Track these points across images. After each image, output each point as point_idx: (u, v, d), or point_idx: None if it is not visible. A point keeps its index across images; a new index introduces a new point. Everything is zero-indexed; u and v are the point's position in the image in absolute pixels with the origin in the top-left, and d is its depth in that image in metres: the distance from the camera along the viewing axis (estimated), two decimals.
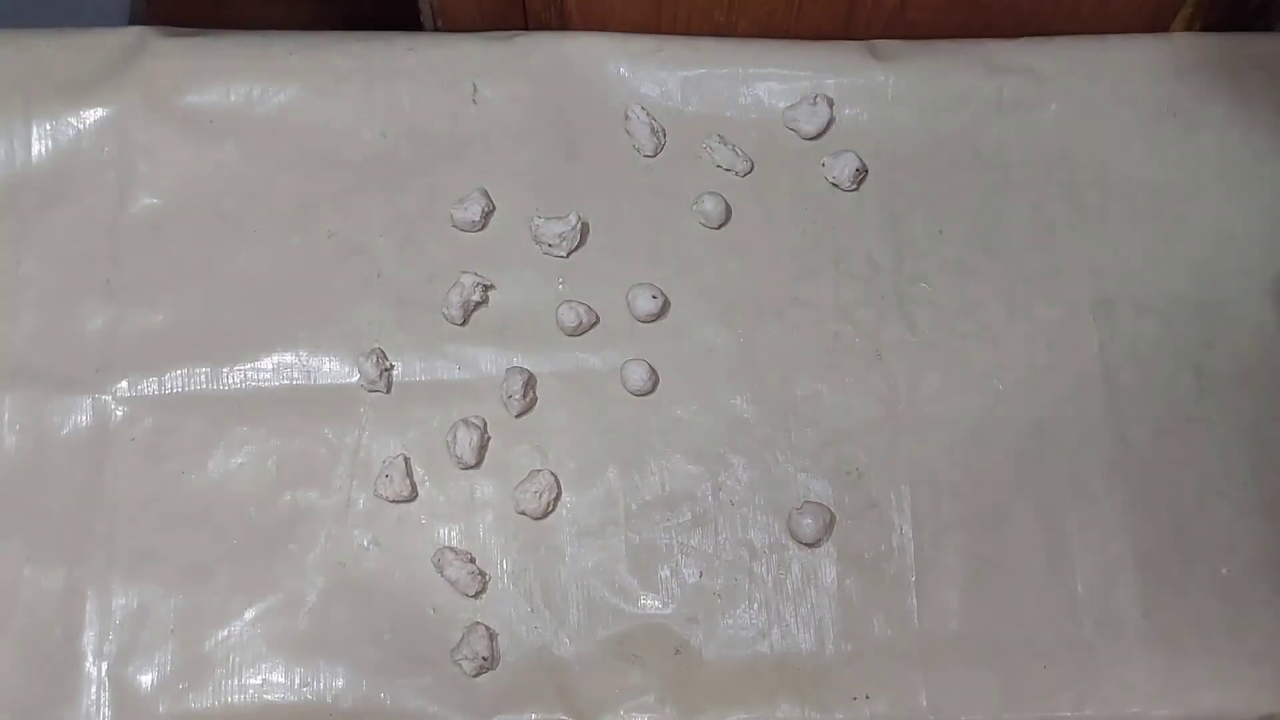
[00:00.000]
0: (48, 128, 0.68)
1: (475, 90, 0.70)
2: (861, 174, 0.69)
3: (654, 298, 0.66)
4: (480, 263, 0.67)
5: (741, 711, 0.61)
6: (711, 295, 0.67)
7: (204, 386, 0.65)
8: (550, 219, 0.67)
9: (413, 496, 0.64)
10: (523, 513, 0.63)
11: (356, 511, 0.64)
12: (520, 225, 0.68)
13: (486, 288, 0.67)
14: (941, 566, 0.63)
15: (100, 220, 0.68)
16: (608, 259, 0.68)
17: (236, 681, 0.61)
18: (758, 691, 0.61)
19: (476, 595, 0.62)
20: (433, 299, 0.67)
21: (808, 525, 0.62)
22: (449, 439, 0.64)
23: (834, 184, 0.69)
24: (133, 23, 0.80)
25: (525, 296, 0.67)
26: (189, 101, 0.69)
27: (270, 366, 0.66)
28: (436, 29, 0.74)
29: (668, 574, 0.63)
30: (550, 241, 0.67)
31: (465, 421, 0.64)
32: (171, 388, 0.65)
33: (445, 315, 0.66)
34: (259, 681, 0.61)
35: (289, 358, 0.66)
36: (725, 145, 0.69)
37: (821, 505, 0.63)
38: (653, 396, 0.66)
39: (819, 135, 0.70)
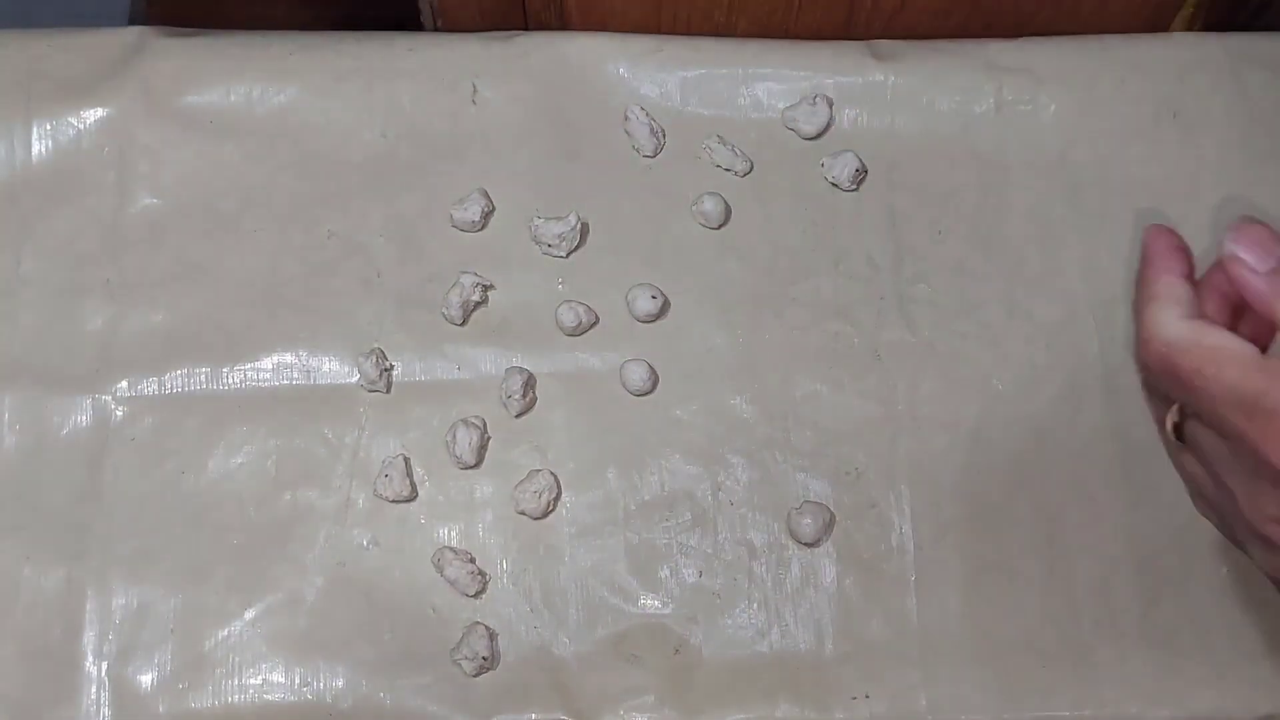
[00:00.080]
0: (48, 128, 0.68)
1: (475, 90, 0.70)
2: (861, 174, 0.69)
3: (654, 298, 0.66)
4: (480, 263, 0.67)
5: (741, 711, 0.61)
6: (711, 295, 0.67)
7: (204, 386, 0.65)
8: (550, 219, 0.67)
9: (413, 496, 0.64)
10: (522, 513, 0.63)
11: (356, 511, 0.64)
12: (520, 225, 0.68)
13: (486, 288, 0.67)
14: (941, 566, 0.63)
15: (100, 220, 0.68)
16: (607, 259, 0.68)
17: (236, 681, 0.61)
18: (757, 691, 0.61)
19: (476, 595, 0.62)
20: (432, 299, 0.67)
21: (807, 525, 0.62)
22: (449, 439, 0.64)
23: (834, 184, 0.69)
24: (133, 23, 0.80)
25: (525, 296, 0.67)
26: (189, 101, 0.69)
27: (270, 366, 0.66)
28: (436, 29, 0.74)
29: (667, 574, 0.63)
30: (550, 242, 0.67)
31: (465, 421, 0.64)
32: (171, 388, 0.65)
33: (445, 315, 0.66)
34: (259, 681, 0.61)
35: (289, 358, 0.66)
36: (725, 145, 0.69)
37: (821, 505, 0.63)
38: (652, 396, 0.66)
39: (819, 135, 0.70)
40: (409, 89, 0.70)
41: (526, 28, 0.73)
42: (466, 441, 0.63)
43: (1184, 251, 0.46)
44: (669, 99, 0.70)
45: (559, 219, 0.67)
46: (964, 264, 0.68)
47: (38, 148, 0.68)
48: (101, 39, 0.70)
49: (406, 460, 0.64)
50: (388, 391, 0.65)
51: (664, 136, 0.69)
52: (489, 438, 0.65)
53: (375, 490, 0.63)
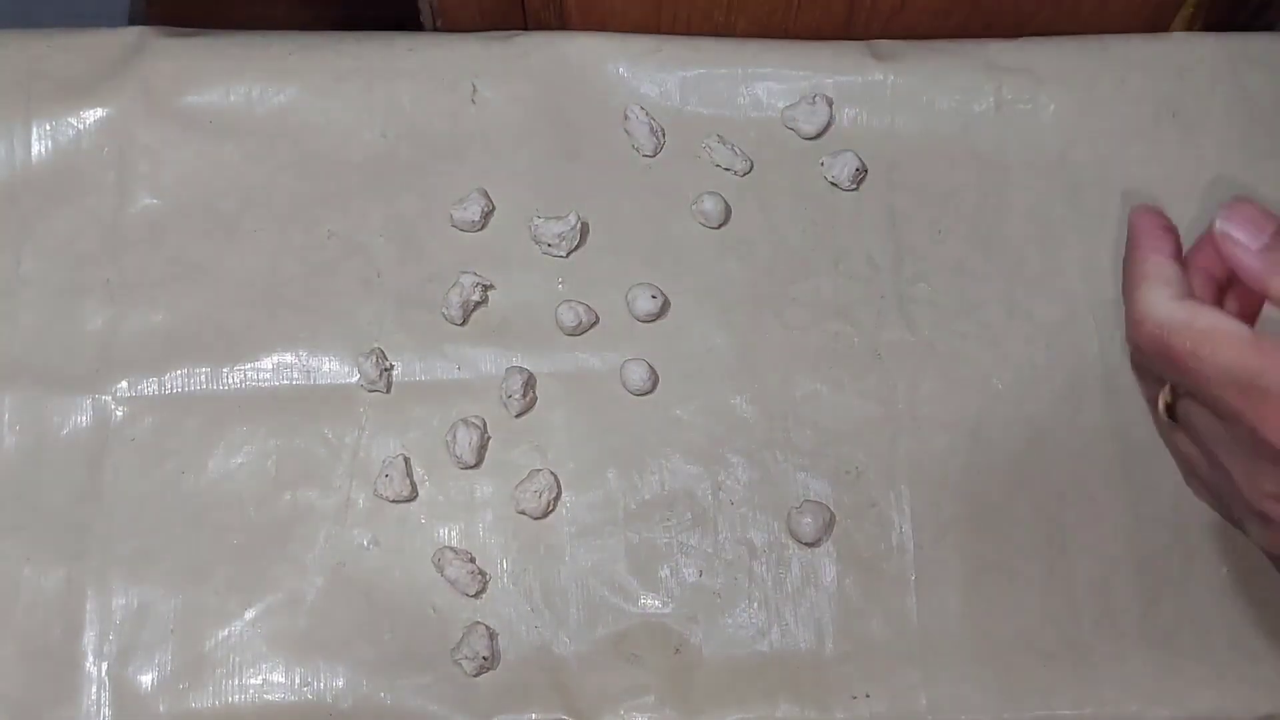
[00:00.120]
0: (48, 128, 0.68)
1: (475, 90, 0.70)
2: (861, 174, 0.69)
3: (654, 298, 0.66)
4: (480, 263, 0.67)
5: (741, 710, 0.61)
6: (711, 295, 0.67)
7: (204, 386, 0.65)
8: (550, 219, 0.67)
9: (413, 496, 0.64)
10: (522, 512, 0.63)
11: (356, 511, 0.64)
12: (520, 225, 0.68)
13: (486, 288, 0.67)
14: (941, 566, 0.63)
15: (100, 220, 0.68)
16: (607, 259, 0.68)
17: (236, 681, 0.61)
18: (757, 690, 0.61)
19: (476, 595, 0.62)
20: (432, 299, 0.67)
21: (807, 524, 0.62)
22: (449, 439, 0.64)
23: (833, 184, 0.69)
24: (133, 23, 0.80)
25: (525, 296, 0.67)
26: (189, 101, 0.69)
27: (270, 366, 0.66)
28: (436, 29, 0.74)
29: (667, 573, 0.63)
30: (550, 241, 0.67)
31: (465, 421, 0.64)
32: (171, 388, 0.65)
33: (445, 315, 0.66)
34: (259, 681, 0.61)
35: (289, 358, 0.66)
36: (725, 145, 0.69)
37: (821, 505, 0.63)
38: (652, 396, 0.66)
39: (818, 135, 0.70)
40: (409, 89, 0.70)
41: (526, 28, 0.73)
42: (466, 441, 0.63)
43: (1171, 231, 0.46)
44: (669, 99, 0.70)
45: (559, 219, 0.67)
46: (964, 264, 0.68)
47: (38, 148, 0.68)
48: (101, 39, 0.70)
49: (406, 460, 0.64)
50: (388, 391, 0.65)
51: (664, 136, 0.69)
52: (489, 438, 0.65)
53: (375, 490, 0.64)
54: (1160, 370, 0.45)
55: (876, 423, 0.65)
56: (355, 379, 0.65)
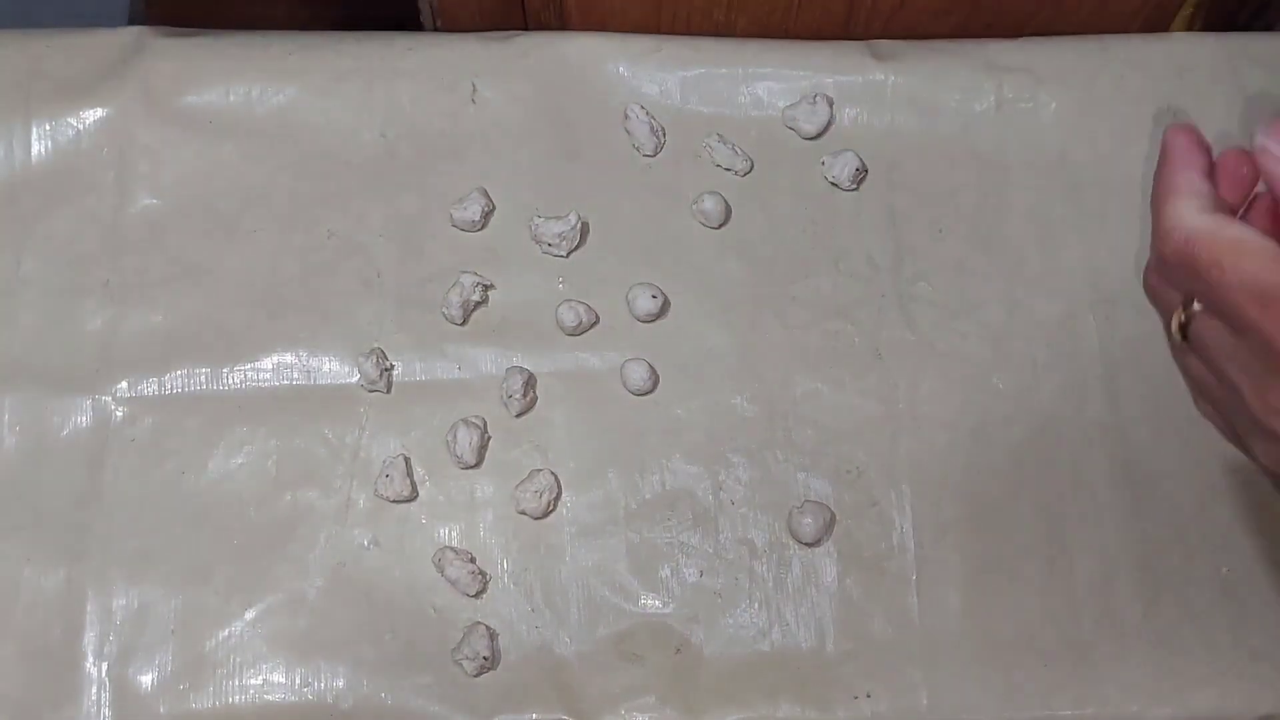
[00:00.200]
0: (48, 128, 0.68)
1: (475, 90, 0.70)
2: (861, 174, 0.69)
3: (654, 297, 0.66)
4: (480, 263, 0.67)
5: (742, 710, 0.61)
6: (711, 295, 0.67)
7: (204, 386, 0.65)
8: (550, 219, 0.67)
9: (413, 496, 0.64)
10: (523, 512, 0.63)
11: (356, 511, 0.64)
12: (520, 225, 0.68)
13: (486, 288, 0.67)
14: (941, 565, 0.63)
15: (100, 220, 0.68)
16: (608, 259, 0.68)
17: (237, 681, 0.61)
18: (758, 690, 0.61)
19: (477, 595, 0.62)
20: (433, 299, 0.67)
21: (808, 524, 0.62)
22: (449, 439, 0.64)
23: (834, 184, 0.69)
24: (133, 23, 0.80)
25: (525, 296, 0.67)
26: (189, 101, 0.69)
27: (270, 366, 0.66)
28: (436, 29, 0.74)
29: (668, 573, 0.63)
30: (550, 241, 0.67)
31: (465, 421, 0.64)
32: (171, 388, 0.65)
33: (445, 315, 0.66)
34: (259, 681, 0.61)
35: (289, 358, 0.66)
36: (725, 145, 0.69)
37: (821, 504, 0.63)
38: (653, 396, 0.66)
39: (819, 135, 0.70)
40: (409, 89, 0.70)
41: (526, 27, 0.73)
42: (467, 441, 0.63)
43: (1205, 149, 0.47)
44: (669, 98, 0.70)
45: (559, 218, 0.67)
46: (964, 263, 0.68)
47: (38, 148, 0.68)
48: (101, 39, 0.70)
49: (407, 460, 0.64)
50: (388, 391, 0.65)
51: (664, 136, 0.69)
52: (489, 437, 0.65)
53: (376, 490, 0.63)
54: (1183, 282, 0.45)
55: (877, 422, 0.65)
56: (355, 379, 0.65)
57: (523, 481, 0.63)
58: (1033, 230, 0.68)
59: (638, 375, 0.65)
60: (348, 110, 0.69)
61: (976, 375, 0.66)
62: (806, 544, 0.63)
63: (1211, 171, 0.46)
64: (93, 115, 0.69)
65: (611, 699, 0.61)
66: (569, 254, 0.67)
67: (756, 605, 0.62)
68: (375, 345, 0.66)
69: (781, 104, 0.70)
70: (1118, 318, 0.67)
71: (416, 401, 0.65)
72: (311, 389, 0.65)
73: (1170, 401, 0.65)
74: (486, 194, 0.68)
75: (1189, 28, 0.73)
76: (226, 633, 0.62)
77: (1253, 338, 0.42)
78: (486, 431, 0.65)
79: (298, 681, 0.61)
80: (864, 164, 0.69)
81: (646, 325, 0.67)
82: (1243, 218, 0.47)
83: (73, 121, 0.68)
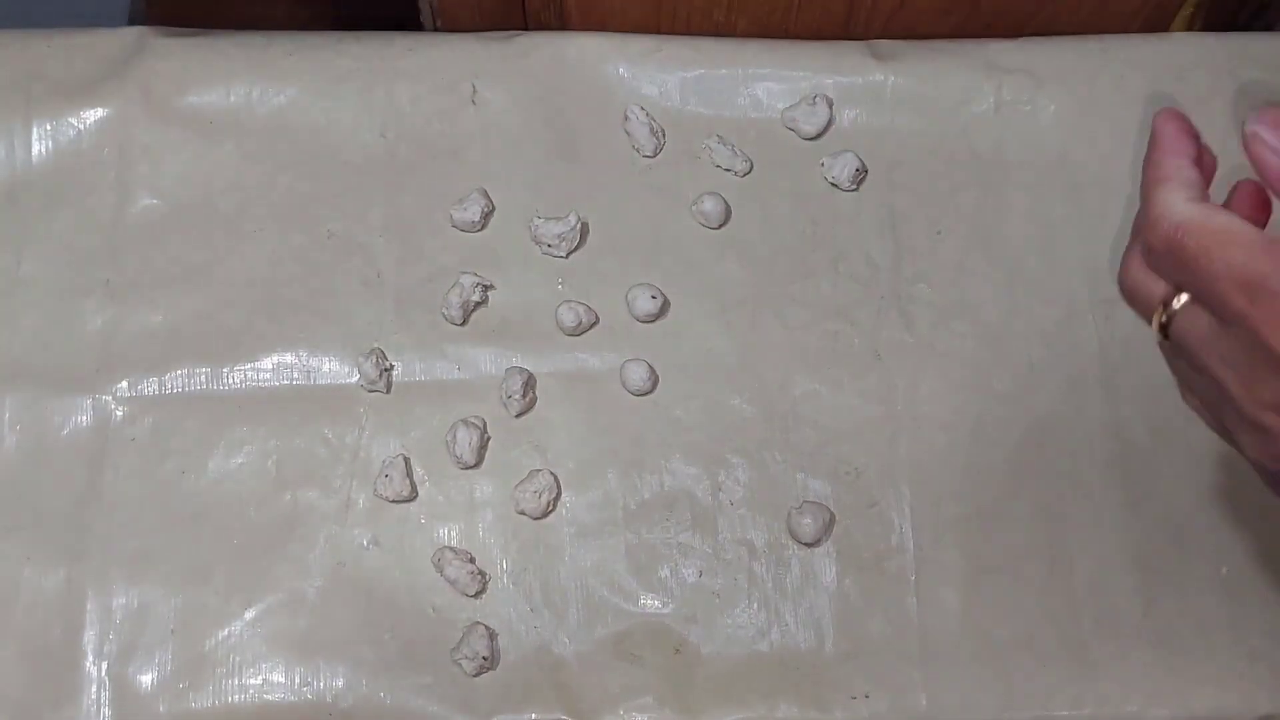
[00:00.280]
0: (48, 128, 0.68)
1: (475, 90, 0.70)
2: (861, 174, 0.69)
3: (653, 298, 0.66)
4: (480, 263, 0.67)
5: (741, 710, 0.61)
6: (711, 295, 0.67)
7: (204, 386, 0.65)
8: (550, 219, 0.67)
9: (413, 496, 0.64)
10: (522, 512, 0.63)
11: (356, 511, 0.64)
12: (520, 225, 0.68)
13: (486, 288, 0.67)
14: (941, 566, 0.63)
15: (100, 220, 0.68)
16: (607, 259, 0.68)
17: (236, 681, 0.61)
18: (757, 690, 0.61)
19: (476, 595, 0.62)
20: (433, 299, 0.67)
21: (807, 525, 0.62)
22: (449, 439, 0.64)
23: (833, 184, 0.69)
24: (133, 23, 0.80)
25: (525, 297, 0.67)
26: (189, 101, 0.69)
27: (270, 366, 0.66)
28: (436, 29, 0.74)
29: (667, 573, 0.63)
30: (550, 242, 0.67)
31: (465, 421, 0.64)
32: (171, 388, 0.65)
33: (445, 315, 0.66)
34: (259, 681, 0.61)
35: (289, 358, 0.66)
36: (725, 145, 0.69)
37: (821, 505, 0.63)
38: (652, 396, 0.66)
39: (818, 135, 0.70)
40: (409, 89, 0.70)
41: (526, 28, 0.73)
42: (466, 441, 0.63)
43: (1193, 136, 0.47)
44: (669, 99, 0.70)
45: (559, 219, 0.67)
46: (964, 264, 0.68)
47: (38, 148, 0.68)
48: (101, 39, 0.70)
49: (406, 460, 0.64)
50: (388, 391, 0.65)
51: (664, 136, 0.69)
52: (489, 438, 0.65)
53: (375, 490, 0.64)
54: (1169, 271, 0.45)
55: (876, 423, 0.65)
56: (355, 379, 0.65)
57: (522, 482, 0.64)
58: (1032, 230, 0.68)
59: (637, 376, 0.65)
60: (348, 110, 0.69)
61: (976, 376, 0.66)
62: (805, 544, 0.63)
63: (1200, 157, 0.46)
64: (93, 115, 0.69)
65: (610, 699, 0.61)
66: (569, 254, 0.67)
67: (755, 606, 0.62)
68: (375, 345, 0.66)
69: (781, 105, 0.70)
70: (1117, 318, 0.67)
71: (416, 402, 0.65)
72: (311, 389, 0.65)
73: (1169, 402, 0.64)
74: (486, 194, 0.68)
75: (1189, 28, 0.73)
76: (226, 632, 0.62)
77: (1239, 329, 0.41)
78: (486, 432, 0.65)
79: (297, 681, 0.61)
80: (864, 164, 0.69)
81: (646, 326, 0.67)
82: (1226, 204, 0.47)
83: (73, 121, 0.68)
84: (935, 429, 0.65)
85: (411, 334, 0.66)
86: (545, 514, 0.63)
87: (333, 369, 0.66)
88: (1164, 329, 0.45)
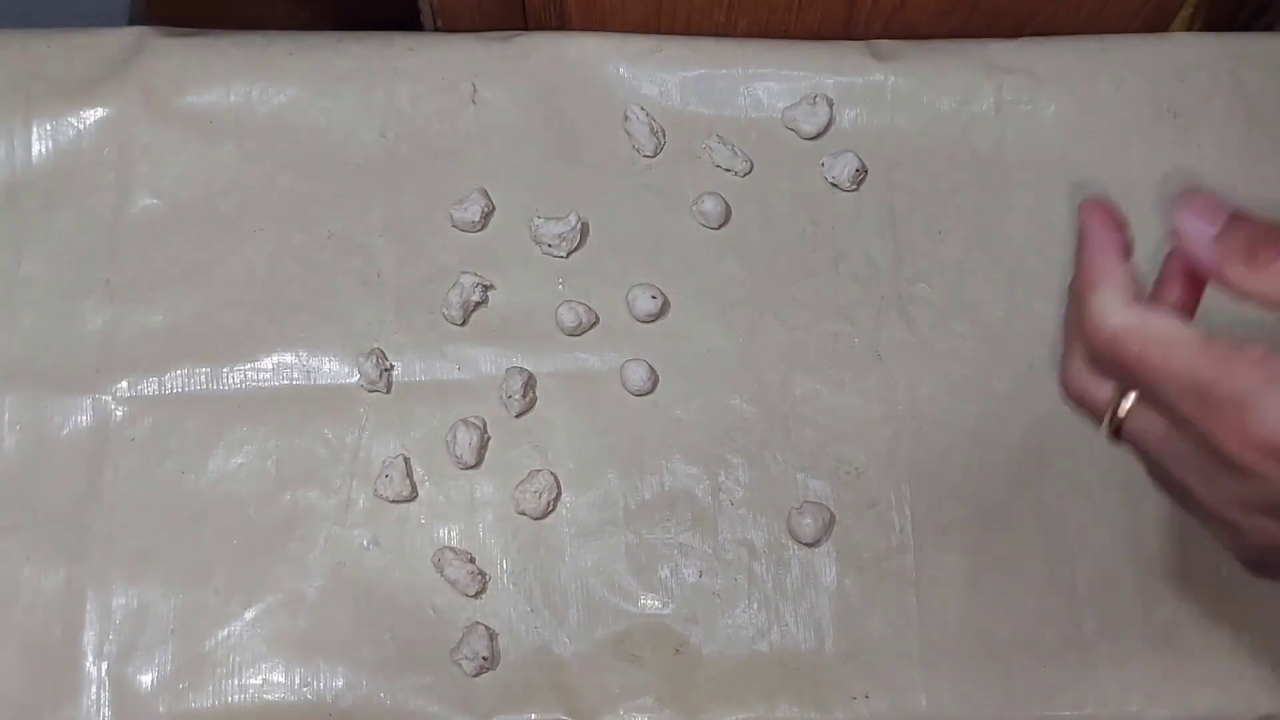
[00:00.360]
0: (48, 128, 0.68)
1: (475, 90, 0.70)
2: (861, 174, 0.69)
3: (654, 298, 0.66)
4: (480, 263, 0.67)
5: (741, 710, 0.61)
6: (711, 295, 0.67)
7: (204, 386, 0.65)
8: (550, 219, 0.67)
9: (413, 496, 0.64)
10: (522, 513, 0.63)
11: (356, 511, 0.64)
12: (520, 225, 0.68)
13: (486, 288, 0.67)
14: (941, 566, 0.63)
15: (100, 220, 0.68)
16: (607, 259, 0.68)
17: (236, 681, 0.61)
18: (757, 691, 0.61)
19: (476, 595, 0.62)
20: (433, 299, 0.67)
21: (807, 525, 0.62)
22: (449, 439, 0.64)
23: (833, 184, 0.69)
24: (133, 23, 0.80)
25: (525, 297, 0.67)
26: (189, 101, 0.69)
27: (270, 366, 0.66)
28: (436, 29, 0.74)
29: (667, 573, 0.63)
30: (550, 242, 0.67)
31: (465, 421, 0.64)
32: (171, 388, 0.65)
33: (445, 315, 0.66)
34: (259, 681, 0.61)
35: (289, 358, 0.66)
36: (725, 145, 0.69)
37: (821, 505, 0.63)
38: (652, 396, 0.66)
39: (818, 135, 0.70)
40: (409, 89, 0.70)
41: (526, 28, 0.73)
42: (466, 441, 0.63)
43: (1119, 229, 0.46)
44: (669, 99, 0.70)
45: (559, 219, 0.67)
46: (964, 264, 0.68)
47: (38, 148, 0.68)
48: (101, 39, 0.70)
49: (406, 460, 0.64)
50: (388, 391, 0.65)
51: (664, 136, 0.69)
52: (489, 438, 0.65)
53: (375, 490, 0.63)
54: (1116, 376, 0.44)
55: (876, 423, 0.65)
56: (355, 379, 0.65)
57: (522, 482, 0.64)
58: (1033, 230, 0.68)
59: (637, 376, 0.65)
60: (348, 110, 0.69)
61: (976, 376, 0.66)
62: (806, 544, 0.63)
63: (1129, 250, 0.45)
64: (93, 115, 0.69)
65: (610, 699, 0.61)
66: (569, 254, 0.67)
67: (755, 606, 0.62)
68: (375, 345, 0.66)
69: (781, 105, 0.70)
70: None
71: (416, 402, 0.65)
72: (311, 389, 0.65)
73: None
74: (486, 194, 0.68)
75: (1189, 28, 0.73)
76: (226, 632, 0.62)
77: (1191, 431, 0.41)
78: (486, 432, 0.65)
79: (297, 681, 0.61)
80: (864, 164, 0.68)
81: (646, 326, 0.67)
82: (1159, 284, 0.46)
83: (73, 121, 0.68)
84: (936, 429, 0.65)
85: (411, 334, 0.66)
86: (545, 514, 0.63)
87: (333, 369, 0.66)
88: (1116, 432, 0.45)
